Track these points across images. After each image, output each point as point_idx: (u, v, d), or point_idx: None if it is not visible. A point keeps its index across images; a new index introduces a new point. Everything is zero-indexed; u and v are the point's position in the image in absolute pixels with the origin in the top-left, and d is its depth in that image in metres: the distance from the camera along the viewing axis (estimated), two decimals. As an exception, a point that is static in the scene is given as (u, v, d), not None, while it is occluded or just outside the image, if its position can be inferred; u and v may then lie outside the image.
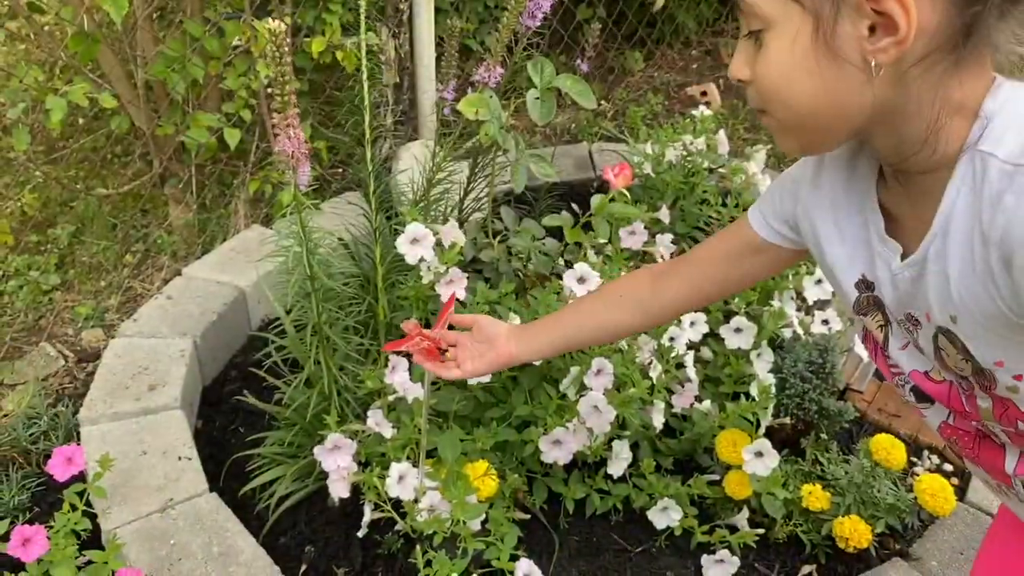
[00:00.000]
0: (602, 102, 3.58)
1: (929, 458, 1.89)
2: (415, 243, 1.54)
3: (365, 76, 1.81)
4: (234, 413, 2.03)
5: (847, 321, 1.81)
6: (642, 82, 3.74)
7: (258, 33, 2.21)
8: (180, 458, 1.76)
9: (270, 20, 1.21)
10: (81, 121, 3.07)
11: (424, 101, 2.57)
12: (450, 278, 1.60)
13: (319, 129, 2.63)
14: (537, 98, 1.86)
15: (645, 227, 2.10)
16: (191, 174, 2.52)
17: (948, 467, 1.88)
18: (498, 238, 2.09)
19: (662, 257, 1.97)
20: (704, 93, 3.61)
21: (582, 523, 1.71)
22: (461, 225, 2.09)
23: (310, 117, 2.57)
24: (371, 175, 1.86)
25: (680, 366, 1.63)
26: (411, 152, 2.55)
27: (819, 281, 1.82)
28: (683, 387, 1.62)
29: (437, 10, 2.75)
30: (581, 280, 1.62)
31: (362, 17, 1.74)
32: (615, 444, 1.68)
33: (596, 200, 1.82)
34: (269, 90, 1.25)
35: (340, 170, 2.77)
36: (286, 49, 1.22)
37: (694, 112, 2.33)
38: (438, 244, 1.61)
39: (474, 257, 2.03)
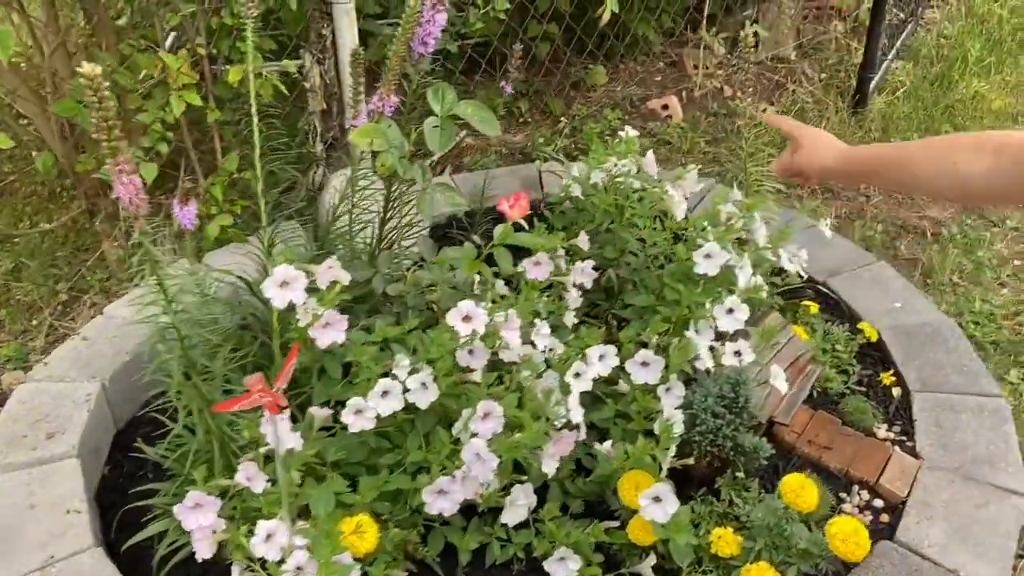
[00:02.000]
0: (562, 119, 3.50)
1: (859, 494, 1.79)
2: (285, 287, 1.47)
3: (254, 109, 1.76)
4: (145, 459, 1.97)
5: (762, 352, 1.72)
6: (604, 96, 3.66)
7: (168, 66, 2.16)
8: (69, 511, 1.70)
9: (86, 64, 1.15)
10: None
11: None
12: (326, 321, 1.52)
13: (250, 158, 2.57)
14: (436, 126, 1.79)
15: (567, 253, 2.02)
16: (117, 209, 2.47)
17: (879, 503, 1.78)
18: (412, 270, 2.02)
19: (576, 287, 1.89)
20: (665, 107, 3.52)
21: (481, 574, 1.62)
22: (374, 257, 2.02)
23: (237, 148, 2.51)
24: (264, 211, 1.79)
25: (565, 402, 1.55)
26: (340, 180, 2.49)
27: (731, 311, 1.73)
28: (560, 431, 1.53)
29: (369, 34, 2.69)
30: (467, 319, 1.54)
31: (250, 45, 1.68)
32: (514, 489, 1.60)
33: (499, 229, 1.75)
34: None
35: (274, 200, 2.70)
36: (105, 94, 1.16)
37: (621, 133, 2.24)
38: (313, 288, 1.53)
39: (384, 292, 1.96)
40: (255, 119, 1.73)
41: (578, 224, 2.23)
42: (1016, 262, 2.73)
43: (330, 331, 1.53)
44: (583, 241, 2.00)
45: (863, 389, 2.08)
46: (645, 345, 1.74)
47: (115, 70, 2.19)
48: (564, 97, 3.63)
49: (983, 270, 2.69)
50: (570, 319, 1.89)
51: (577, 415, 1.53)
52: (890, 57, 3.72)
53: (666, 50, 3.89)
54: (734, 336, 1.74)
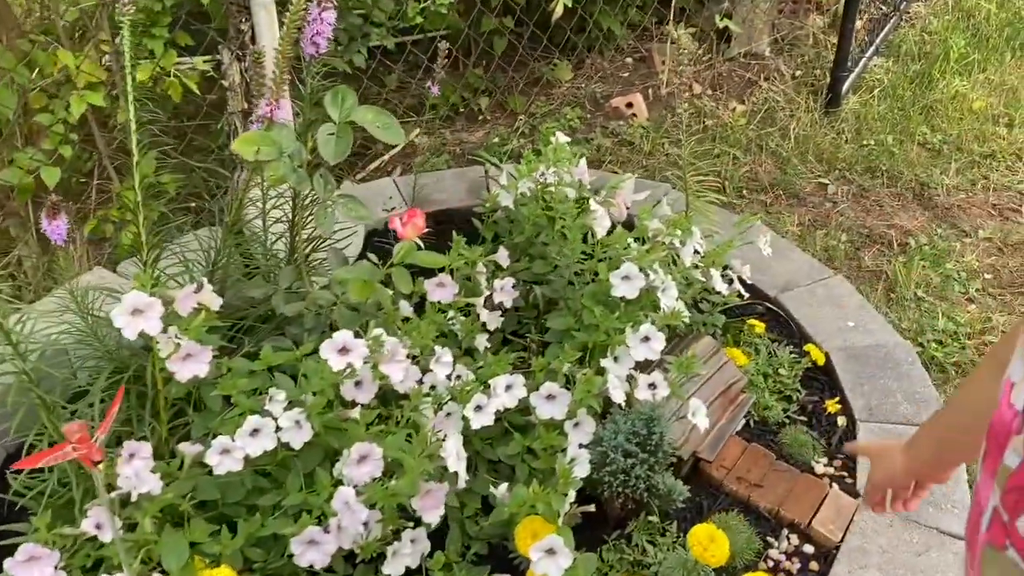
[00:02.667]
0: (521, 116, 3.35)
1: (788, 538, 1.65)
2: (137, 315, 1.33)
3: (132, 111, 1.62)
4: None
5: (678, 384, 1.58)
6: (567, 93, 3.50)
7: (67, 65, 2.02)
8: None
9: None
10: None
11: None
12: (186, 352, 1.38)
13: (168, 160, 2.43)
14: (331, 134, 1.64)
15: (486, 268, 1.88)
16: (28, 214, 2.33)
17: (810, 548, 1.64)
18: (317, 285, 1.88)
19: (495, 306, 1.75)
20: (630, 104, 3.37)
21: (364, 626, 1.49)
22: (281, 270, 1.88)
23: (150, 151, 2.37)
24: (143, 225, 1.66)
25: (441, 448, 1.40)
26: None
27: (646, 339, 1.58)
28: (429, 484, 1.39)
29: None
30: (343, 351, 1.40)
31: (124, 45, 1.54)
32: (404, 535, 1.46)
33: (398, 248, 1.60)
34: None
35: (193, 204, 2.57)
36: None
37: (552, 139, 2.09)
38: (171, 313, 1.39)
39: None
40: (132, 122, 1.59)
41: (509, 236, 2.09)
42: (986, 275, 2.58)
43: (191, 364, 1.39)
44: (502, 257, 1.85)
45: (805, 418, 1.93)
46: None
47: (13, 69, 2.05)
48: (527, 94, 3.48)
49: (951, 284, 2.54)
50: (482, 342, 1.75)
51: (455, 462, 1.39)
52: (868, 54, 3.55)
53: (636, 45, 3.73)
54: (650, 367, 1.59)
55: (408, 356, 1.55)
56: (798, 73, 3.58)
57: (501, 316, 1.87)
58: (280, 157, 1.65)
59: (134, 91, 1.64)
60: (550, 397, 1.54)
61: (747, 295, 2.01)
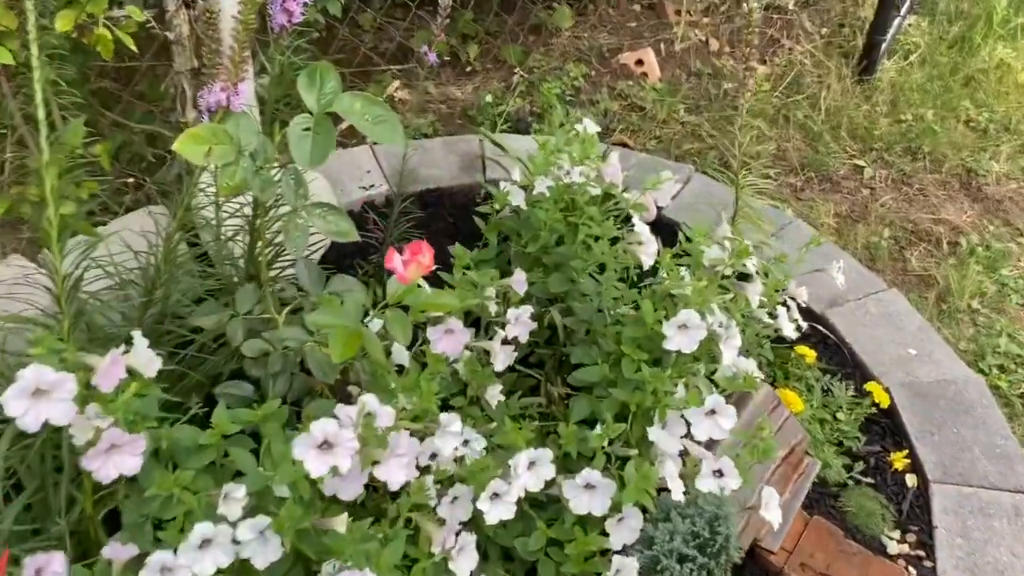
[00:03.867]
0: (517, 70, 2.93)
1: (865, 646, 1.36)
2: (40, 396, 0.95)
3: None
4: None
5: (749, 468, 1.25)
6: (569, 44, 3.08)
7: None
8: None
9: None
10: None
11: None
12: (109, 442, 1.01)
13: (100, 126, 2.01)
14: (307, 129, 1.25)
15: (500, 295, 1.52)
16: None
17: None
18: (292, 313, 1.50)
19: (508, 343, 1.40)
20: (640, 62, 2.97)
21: None
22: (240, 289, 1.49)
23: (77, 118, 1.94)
24: (54, 215, 1.27)
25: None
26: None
27: (712, 412, 1.25)
28: None
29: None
30: (325, 446, 1.03)
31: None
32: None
33: (392, 287, 1.23)
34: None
35: (133, 180, 2.15)
36: None
37: (584, 121, 1.70)
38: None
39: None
40: (36, 81, 1.19)
41: (517, 239, 1.72)
42: (1047, 284, 2.28)
43: (117, 458, 1.02)
44: (518, 282, 1.49)
45: (870, 480, 1.63)
46: (588, 458, 1.26)
47: None
48: (522, 43, 3.05)
49: (1008, 294, 2.23)
50: (495, 395, 1.40)
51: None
52: (903, 12, 3.17)
53: (644, -10, 3.31)
54: (712, 445, 1.26)
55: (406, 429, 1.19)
56: (824, 31, 3.19)
57: (514, 351, 1.52)
58: (238, 158, 1.25)
59: (44, 40, 1.23)
60: (589, 487, 1.21)
61: (804, 325, 1.68)
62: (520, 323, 1.49)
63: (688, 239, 1.50)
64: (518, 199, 1.69)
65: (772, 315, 1.62)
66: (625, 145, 2.66)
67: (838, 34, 3.17)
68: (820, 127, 2.74)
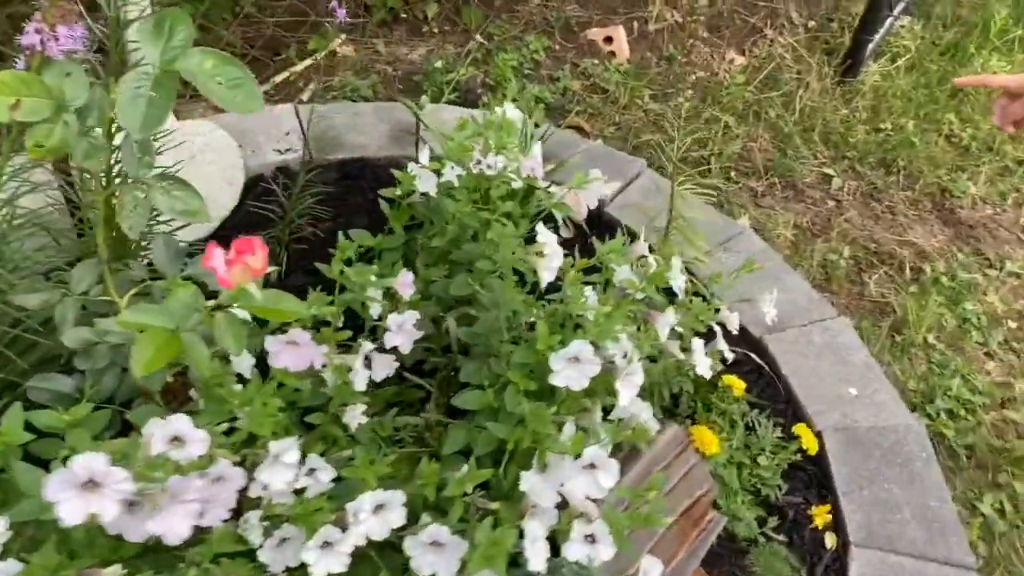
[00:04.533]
0: (476, 36, 2.70)
1: None
2: None
3: None
4: None
5: (623, 536, 1.07)
6: (536, 12, 2.86)
7: None
8: None
9: None
10: None
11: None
12: None
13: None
14: (140, 87, 1.04)
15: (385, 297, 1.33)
16: None
17: None
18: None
19: (367, 363, 1.21)
20: (609, 39, 2.75)
21: None
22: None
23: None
24: None
25: None
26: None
27: (592, 467, 1.06)
28: None
29: None
30: (89, 485, 0.84)
31: None
32: None
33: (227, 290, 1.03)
34: None
35: None
36: None
37: (505, 104, 1.49)
38: None
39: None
40: None
41: (427, 230, 1.52)
42: (1011, 323, 2.11)
43: None
44: (403, 284, 1.29)
45: (784, 537, 1.46)
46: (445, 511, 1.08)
47: None
48: (484, 6, 2.82)
49: (969, 331, 2.06)
50: (356, 417, 1.21)
51: None
52: (896, 11, 2.96)
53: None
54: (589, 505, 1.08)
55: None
56: (811, 24, 2.98)
57: (396, 360, 1.33)
58: (57, 115, 1.04)
59: None
60: (435, 544, 1.02)
61: (730, 355, 1.49)
62: (403, 331, 1.30)
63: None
64: (427, 184, 1.49)
65: (685, 348, 1.44)
66: (580, 129, 2.45)
67: (825, 28, 2.96)
68: (792, 128, 2.55)
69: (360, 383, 1.18)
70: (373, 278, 1.29)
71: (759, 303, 1.50)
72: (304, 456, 1.09)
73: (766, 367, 1.71)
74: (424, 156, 1.48)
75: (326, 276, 1.31)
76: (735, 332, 1.52)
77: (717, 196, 2.29)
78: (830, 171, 2.45)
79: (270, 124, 2.09)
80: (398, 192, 1.48)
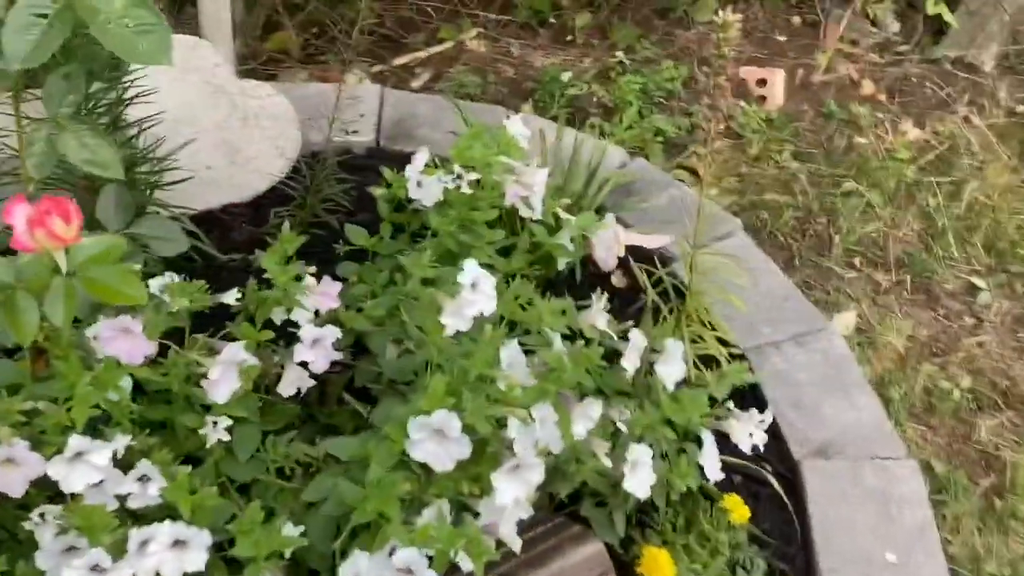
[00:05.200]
0: (619, 52, 2.49)
1: None
2: None
3: None
4: None
5: None
6: (694, 40, 2.59)
7: None
8: None
9: None
10: None
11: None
12: None
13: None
14: (41, 16, 0.93)
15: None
16: None
17: None
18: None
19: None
20: (763, 82, 2.44)
21: None
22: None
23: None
24: None
25: None
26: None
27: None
28: None
29: None
30: None
31: None
32: None
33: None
34: None
35: None
36: None
37: (512, 118, 1.29)
38: None
39: None
40: None
41: (420, 241, 1.35)
42: None
43: None
44: (326, 295, 1.13)
45: None
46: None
47: None
48: (645, 25, 2.60)
49: None
50: (214, 432, 1.05)
51: None
52: None
53: (814, 2, 2.73)
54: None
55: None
56: (1020, 109, 2.51)
57: (315, 380, 1.17)
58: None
59: None
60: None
61: (717, 475, 1.20)
62: (318, 347, 1.13)
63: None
64: (422, 192, 1.31)
65: (683, 449, 1.17)
66: (694, 173, 2.18)
67: (1036, 117, 2.49)
68: (950, 223, 2.13)
69: (219, 394, 1.02)
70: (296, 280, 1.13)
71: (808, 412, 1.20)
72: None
73: (789, 505, 1.39)
74: (421, 157, 1.30)
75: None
76: (744, 447, 1.23)
77: (825, 283, 1.95)
78: (981, 283, 2.02)
79: (348, 102, 1.99)
80: (379, 192, 1.32)
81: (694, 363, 1.36)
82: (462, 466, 0.92)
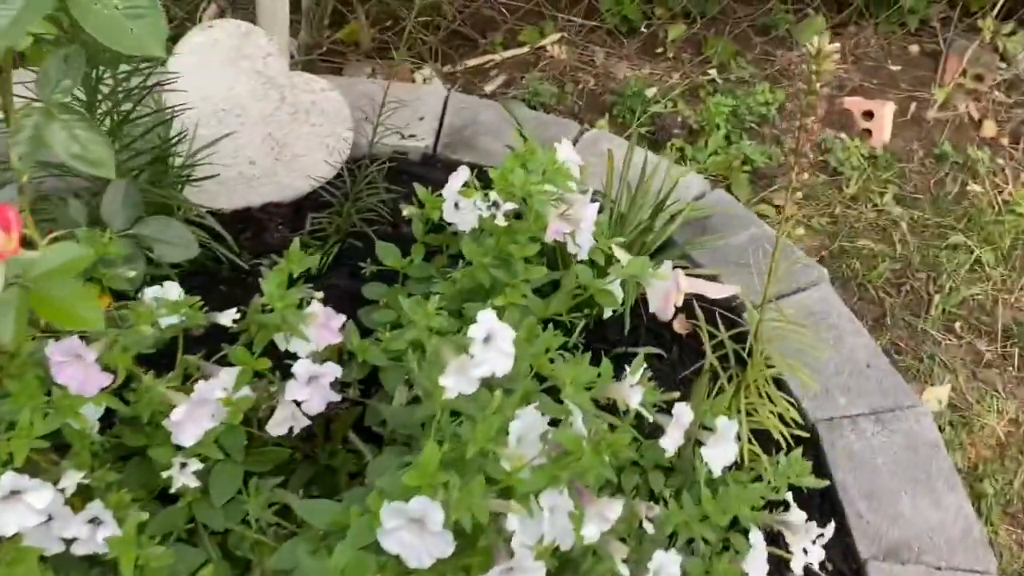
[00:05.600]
0: (711, 71, 2.30)
1: None
2: None
3: None
4: None
5: None
6: (797, 62, 2.38)
7: None
8: None
9: None
10: None
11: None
12: None
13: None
14: (17, -8, 0.82)
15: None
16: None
17: None
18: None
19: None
20: (869, 115, 2.21)
21: None
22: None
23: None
24: None
25: None
26: (212, 36, 1.57)
27: None
28: None
29: None
30: None
31: None
32: None
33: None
34: None
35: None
36: None
37: (563, 142, 1.12)
38: None
39: None
40: None
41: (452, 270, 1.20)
42: None
43: None
44: (326, 328, 0.99)
45: None
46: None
47: None
48: (741, 42, 2.40)
49: None
50: (181, 476, 0.92)
51: None
52: None
53: (934, 29, 2.47)
54: None
55: None
56: None
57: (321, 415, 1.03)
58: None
59: None
60: None
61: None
62: (315, 386, 1.00)
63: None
64: (458, 216, 1.16)
65: (726, 544, 0.99)
66: (779, 209, 1.98)
67: None
68: (1073, 291, 1.88)
69: (184, 437, 0.89)
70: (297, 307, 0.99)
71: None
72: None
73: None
74: (460, 177, 1.15)
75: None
76: (795, 567, 1.05)
77: (917, 349, 1.72)
78: (1103, 365, 1.76)
79: (409, 103, 1.86)
80: (408, 212, 1.17)
81: (749, 438, 1.17)
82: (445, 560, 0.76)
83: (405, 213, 1.20)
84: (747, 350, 1.17)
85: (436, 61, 2.25)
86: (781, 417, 1.19)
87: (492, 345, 0.84)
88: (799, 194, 2.01)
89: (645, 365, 1.00)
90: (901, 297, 1.84)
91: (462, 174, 1.14)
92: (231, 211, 1.65)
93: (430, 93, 1.91)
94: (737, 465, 1.07)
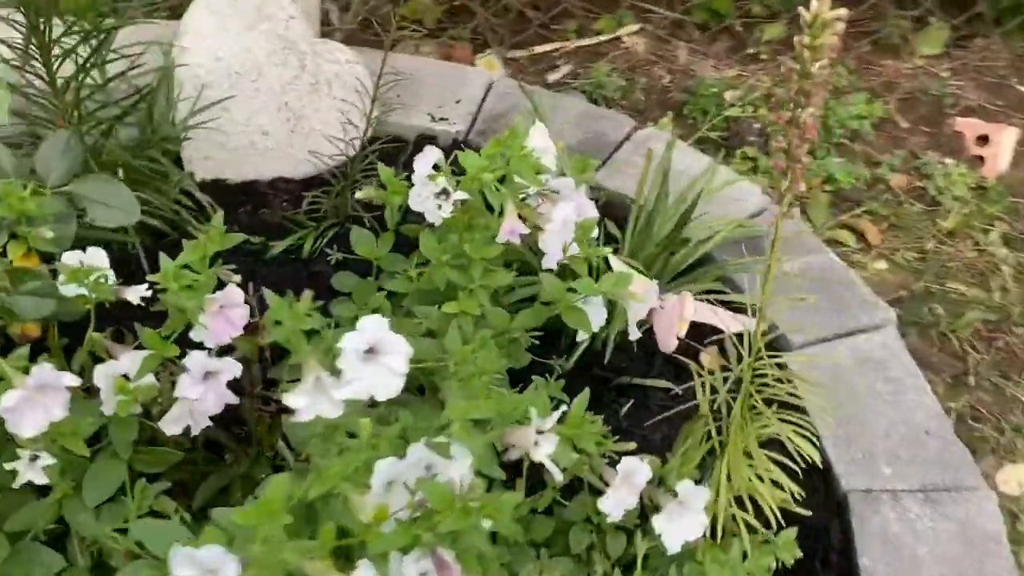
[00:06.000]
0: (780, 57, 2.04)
1: None
2: None
3: None
4: None
5: None
6: (915, 74, 2.09)
7: None
8: None
9: None
10: None
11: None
12: None
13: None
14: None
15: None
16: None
17: None
18: None
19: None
20: (984, 140, 1.92)
21: None
22: None
23: None
24: None
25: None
26: (209, 6, 1.46)
27: None
28: None
29: None
30: None
31: None
32: None
33: None
34: None
35: None
36: None
37: (537, 124, 0.94)
38: None
39: None
40: None
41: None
42: None
43: None
44: (217, 318, 0.84)
45: None
46: None
47: None
48: (851, 48, 2.14)
49: None
50: (27, 470, 0.80)
51: None
52: None
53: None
54: None
55: None
56: None
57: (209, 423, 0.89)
58: None
59: None
60: None
61: None
62: (209, 382, 0.86)
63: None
64: (423, 205, 1.00)
65: None
66: (861, 235, 1.73)
67: None
68: None
69: (21, 427, 0.76)
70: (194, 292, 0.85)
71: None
72: None
73: None
74: (426, 162, 0.99)
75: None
76: None
77: (999, 415, 1.45)
78: None
79: (449, 83, 1.71)
80: (364, 195, 1.02)
81: (729, 501, 0.94)
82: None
83: (358, 196, 1.05)
84: (734, 410, 0.95)
85: (502, 45, 2.09)
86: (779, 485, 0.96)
87: (376, 361, 0.67)
88: (882, 223, 1.76)
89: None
90: (991, 354, 1.56)
91: (429, 155, 0.97)
92: (238, 183, 1.54)
93: (473, 76, 1.76)
94: (714, 534, 0.86)
